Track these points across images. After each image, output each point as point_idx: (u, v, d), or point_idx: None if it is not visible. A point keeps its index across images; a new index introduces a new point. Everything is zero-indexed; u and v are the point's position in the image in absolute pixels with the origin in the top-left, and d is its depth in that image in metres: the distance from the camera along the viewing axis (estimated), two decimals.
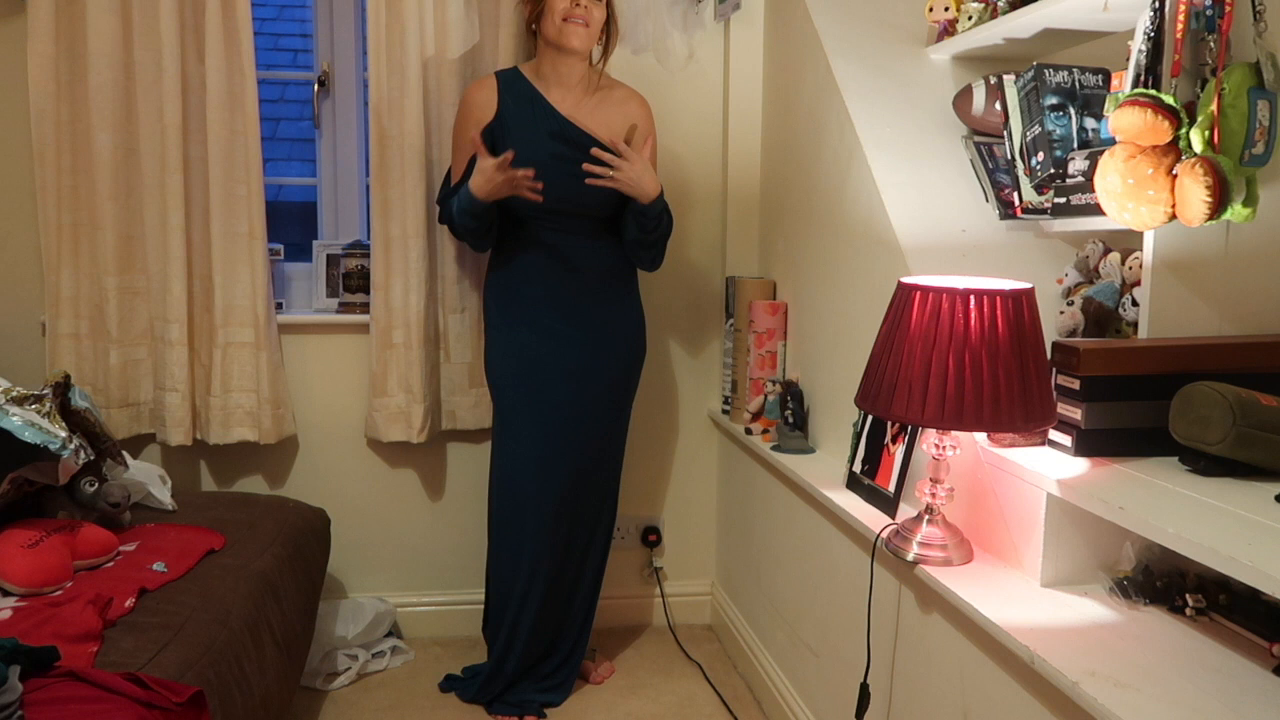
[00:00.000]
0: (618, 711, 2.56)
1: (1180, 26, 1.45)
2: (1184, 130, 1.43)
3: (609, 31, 2.48)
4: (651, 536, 3.07)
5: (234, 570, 2.07)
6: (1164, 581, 1.47)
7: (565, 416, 2.48)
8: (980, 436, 1.66)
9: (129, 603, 1.83)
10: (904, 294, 1.57)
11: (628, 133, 2.41)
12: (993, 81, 2.02)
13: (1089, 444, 1.51)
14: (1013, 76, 1.97)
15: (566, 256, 2.45)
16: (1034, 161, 1.89)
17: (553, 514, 2.48)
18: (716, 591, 3.08)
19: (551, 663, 2.58)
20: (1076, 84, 1.88)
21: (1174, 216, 1.44)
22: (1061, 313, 1.83)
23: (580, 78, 2.46)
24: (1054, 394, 1.54)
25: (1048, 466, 1.49)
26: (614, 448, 2.62)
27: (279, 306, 2.85)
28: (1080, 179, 1.74)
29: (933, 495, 1.66)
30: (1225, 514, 1.25)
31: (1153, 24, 1.50)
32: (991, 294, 1.49)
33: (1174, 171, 1.43)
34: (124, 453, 2.30)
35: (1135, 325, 1.71)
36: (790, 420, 2.43)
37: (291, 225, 3.57)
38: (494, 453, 2.58)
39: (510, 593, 2.52)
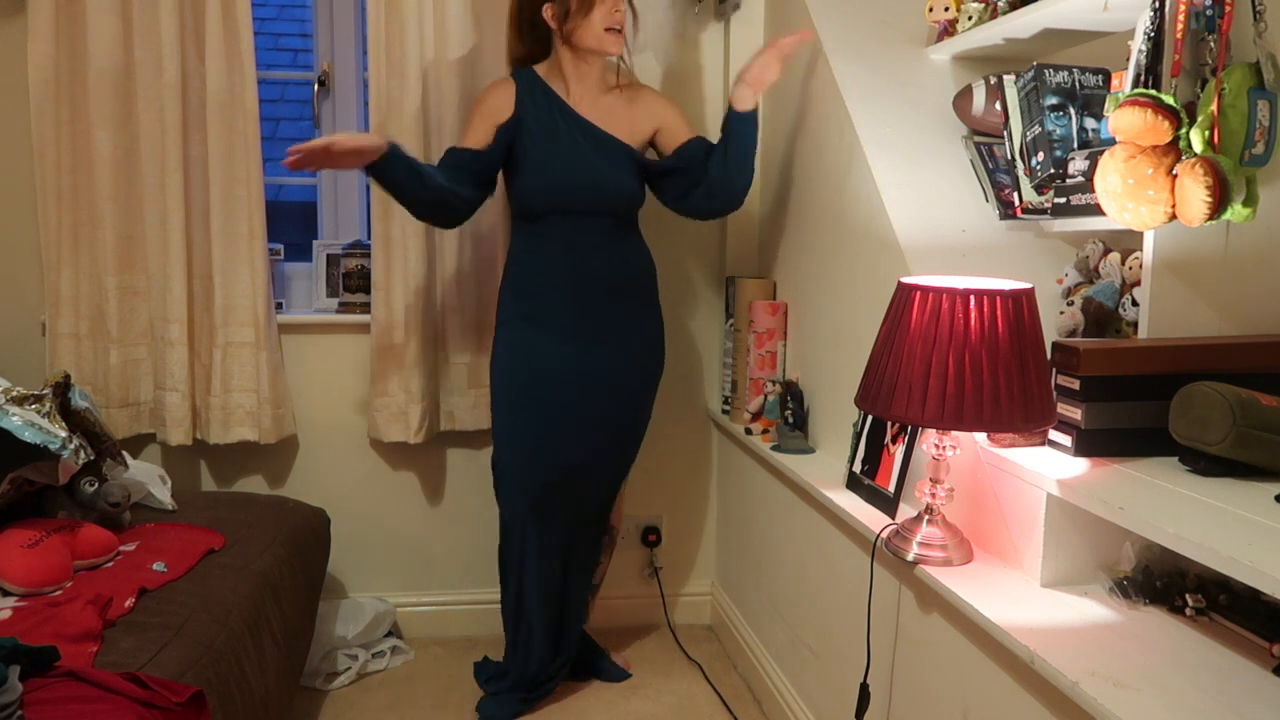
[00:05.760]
0: (618, 711, 2.56)
1: (1180, 26, 1.45)
2: (1184, 130, 1.43)
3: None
4: (651, 536, 3.06)
5: (234, 570, 2.07)
6: (1164, 581, 1.47)
7: (576, 435, 2.42)
8: (980, 436, 1.66)
9: (129, 603, 1.83)
10: (904, 294, 1.57)
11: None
12: (993, 81, 2.02)
13: (1089, 444, 1.51)
14: (1013, 76, 1.96)
15: (589, 259, 2.41)
16: (1034, 161, 1.89)
17: (546, 530, 2.45)
18: (716, 591, 3.08)
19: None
20: (1076, 84, 1.88)
21: (1174, 216, 1.44)
22: (1061, 313, 1.83)
23: (599, 76, 2.45)
24: (1054, 394, 1.54)
25: (1048, 466, 1.49)
26: (621, 469, 2.57)
27: (279, 306, 2.85)
28: (1080, 179, 1.74)
29: (933, 495, 1.66)
30: (1225, 514, 1.25)
31: (1153, 24, 1.50)
32: (991, 294, 1.49)
33: (1174, 171, 1.43)
34: (124, 453, 2.30)
35: (1135, 325, 1.71)
36: (790, 420, 2.43)
37: (291, 225, 3.57)
38: (494, 461, 2.52)
39: (520, 603, 2.50)
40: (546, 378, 2.41)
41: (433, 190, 2.29)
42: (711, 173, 2.41)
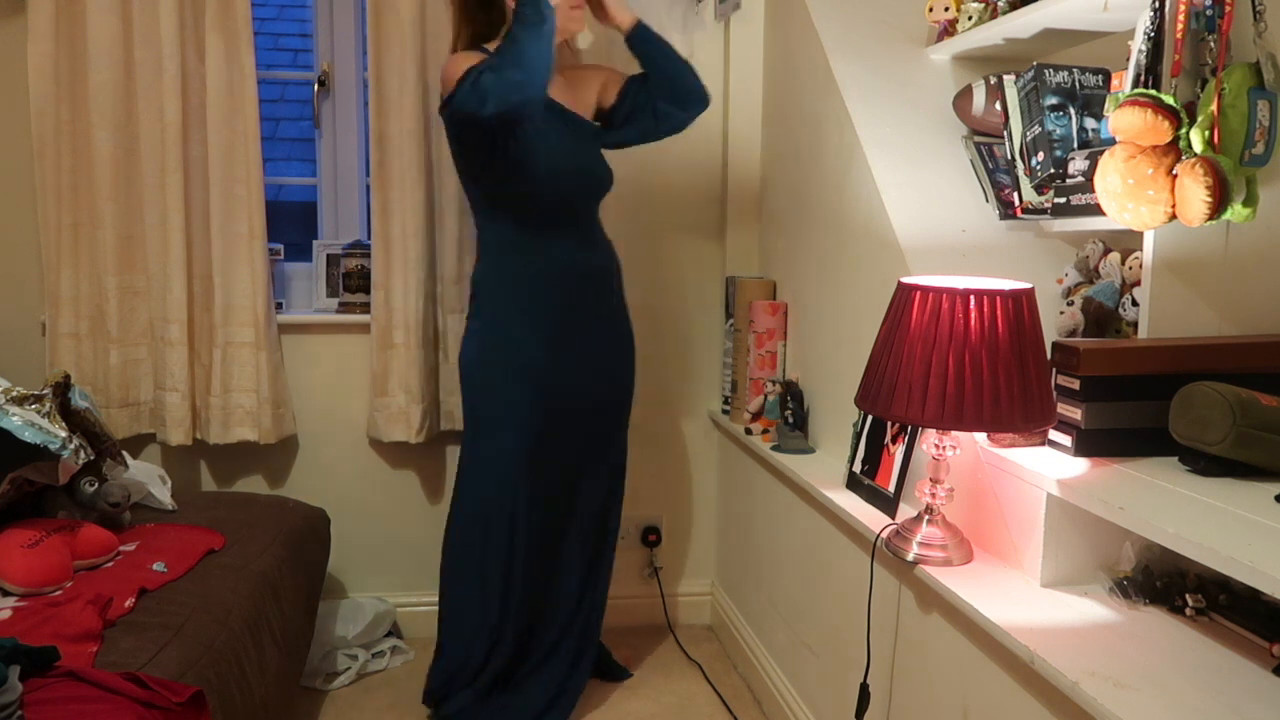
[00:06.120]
0: (618, 711, 2.56)
1: (1180, 26, 1.45)
2: (1184, 130, 1.43)
3: None
4: (651, 536, 3.06)
5: (234, 570, 2.07)
6: (1164, 581, 1.47)
7: (573, 432, 2.39)
8: (980, 436, 1.66)
9: (129, 603, 1.83)
10: (904, 294, 1.57)
11: None
12: (993, 81, 2.02)
13: (1089, 444, 1.51)
14: (1013, 76, 1.97)
15: (573, 250, 2.36)
16: (1034, 161, 1.89)
17: (537, 547, 2.40)
18: (716, 591, 3.08)
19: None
20: (1076, 84, 1.88)
21: (1174, 216, 1.44)
22: (1061, 313, 1.83)
23: (556, 59, 2.34)
24: (1054, 394, 1.54)
25: (1048, 466, 1.49)
26: (618, 464, 2.54)
27: (279, 306, 2.85)
28: (1080, 179, 1.74)
29: (933, 495, 1.66)
30: (1225, 514, 1.25)
31: (1153, 24, 1.50)
32: (991, 294, 1.49)
33: (1174, 171, 1.43)
34: (124, 453, 2.30)
35: (1135, 325, 1.71)
36: (790, 420, 2.43)
37: (291, 225, 3.57)
38: (468, 472, 2.40)
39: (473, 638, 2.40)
40: (542, 374, 2.35)
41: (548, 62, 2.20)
42: (658, 86, 2.40)
